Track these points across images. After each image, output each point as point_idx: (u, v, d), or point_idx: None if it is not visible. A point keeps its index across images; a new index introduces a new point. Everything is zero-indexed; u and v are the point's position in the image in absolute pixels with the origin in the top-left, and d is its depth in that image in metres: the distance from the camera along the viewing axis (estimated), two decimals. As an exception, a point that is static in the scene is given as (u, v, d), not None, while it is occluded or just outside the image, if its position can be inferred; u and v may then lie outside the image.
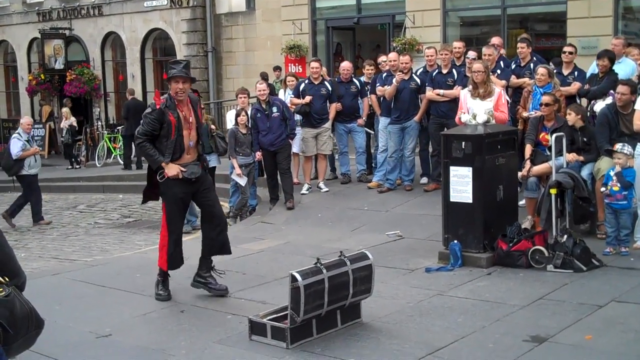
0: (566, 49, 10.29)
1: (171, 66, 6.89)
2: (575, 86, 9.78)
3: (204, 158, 7.22)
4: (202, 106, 12.10)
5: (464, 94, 9.32)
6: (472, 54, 10.85)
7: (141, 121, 6.90)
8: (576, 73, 10.05)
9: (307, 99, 11.88)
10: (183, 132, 6.82)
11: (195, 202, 7.24)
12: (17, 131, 13.76)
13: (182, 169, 6.81)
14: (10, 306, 3.43)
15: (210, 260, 7.14)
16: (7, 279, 3.52)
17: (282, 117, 11.23)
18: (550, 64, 10.35)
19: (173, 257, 6.97)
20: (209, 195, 7.11)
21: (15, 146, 13.33)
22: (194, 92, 7.04)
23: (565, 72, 10.02)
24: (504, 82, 10.29)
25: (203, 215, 7.29)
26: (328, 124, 12.00)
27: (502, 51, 11.41)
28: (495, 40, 11.31)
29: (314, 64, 12.21)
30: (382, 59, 12.54)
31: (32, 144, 13.77)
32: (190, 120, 6.88)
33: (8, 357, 3.51)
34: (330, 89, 12.01)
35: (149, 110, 6.90)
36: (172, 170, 6.78)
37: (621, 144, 7.95)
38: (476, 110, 8.52)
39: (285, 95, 12.88)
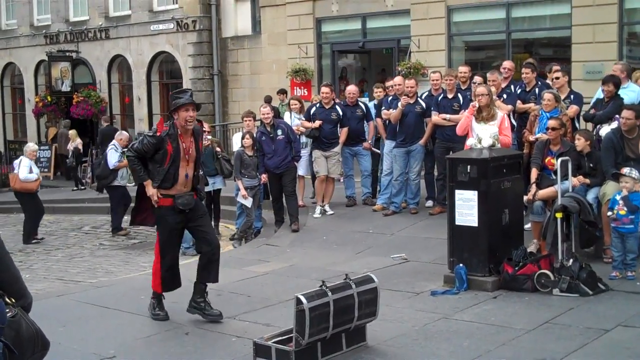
0: (555, 75, 10.36)
1: (178, 96, 6.88)
2: (572, 109, 9.80)
3: (199, 189, 7.21)
4: (209, 129, 12.16)
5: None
6: (477, 79, 10.89)
7: (140, 137, 7.00)
8: (572, 97, 10.10)
9: (317, 123, 11.94)
10: (180, 164, 6.82)
11: (189, 230, 7.19)
12: (112, 144, 14.29)
13: (158, 195, 6.82)
14: (16, 327, 3.42)
15: (204, 285, 7.05)
16: (13, 300, 3.52)
17: (287, 140, 11.26)
18: (555, 88, 10.39)
19: (166, 280, 7.07)
20: (202, 222, 7.12)
21: (113, 157, 13.82)
22: (197, 122, 7.05)
23: (562, 96, 10.03)
24: (510, 106, 10.32)
25: (197, 242, 7.40)
26: (337, 148, 12.05)
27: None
28: (507, 64, 11.33)
29: (325, 89, 12.28)
30: (389, 83, 12.59)
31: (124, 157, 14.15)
32: (190, 152, 6.89)
33: None
34: (340, 113, 12.07)
35: (150, 133, 6.94)
36: (150, 191, 6.85)
37: (628, 168, 7.95)
38: (482, 134, 8.55)
39: (291, 118, 12.93)
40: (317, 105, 12.32)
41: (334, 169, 12.06)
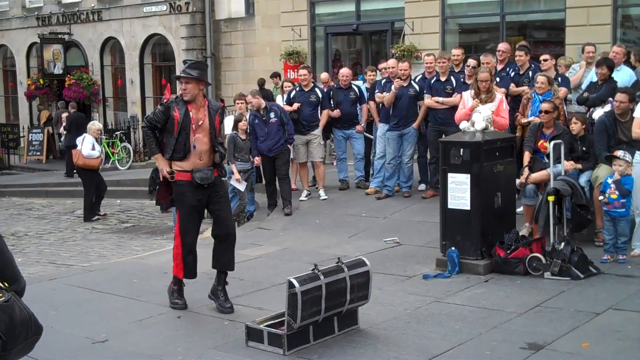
0: (542, 57, 10.35)
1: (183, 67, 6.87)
2: (562, 91, 9.80)
3: (221, 166, 6.98)
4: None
5: (466, 97, 9.44)
6: (471, 61, 10.85)
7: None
8: (560, 79, 10.10)
9: (295, 105, 11.90)
10: (190, 133, 6.64)
11: (208, 211, 6.99)
12: None
13: (168, 169, 6.68)
14: (9, 311, 3.41)
15: (224, 274, 6.93)
16: (6, 284, 3.51)
17: (280, 123, 11.22)
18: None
19: (188, 265, 6.79)
20: (221, 205, 6.88)
21: None
22: (220, 101, 7.03)
23: None
24: (503, 89, 10.30)
25: (213, 225, 6.98)
26: (317, 131, 11.99)
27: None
28: (502, 46, 11.28)
29: (303, 71, 12.25)
30: (382, 65, 12.56)
31: None
32: (201, 123, 6.67)
33: None
34: (320, 96, 12.01)
35: (162, 102, 6.95)
36: (160, 164, 6.74)
37: (622, 151, 7.96)
38: (475, 117, 8.54)
39: (284, 101, 12.90)
40: (297, 88, 12.30)
41: (316, 152, 11.98)
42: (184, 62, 6.93)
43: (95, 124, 15.09)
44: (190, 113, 6.66)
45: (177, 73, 18.61)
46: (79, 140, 14.69)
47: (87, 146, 14.12)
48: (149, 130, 6.80)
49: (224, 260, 6.92)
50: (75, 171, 19.92)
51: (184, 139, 6.64)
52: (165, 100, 6.80)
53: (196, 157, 6.70)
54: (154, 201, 7.71)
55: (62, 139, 21.68)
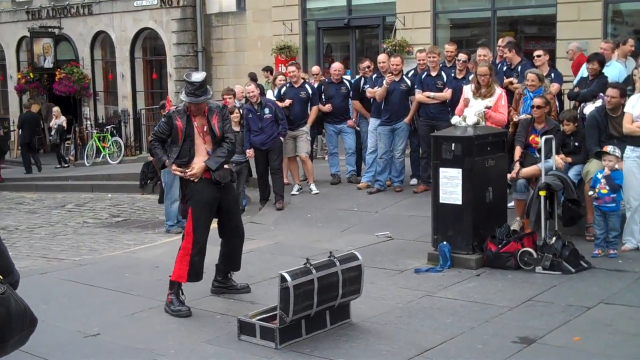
0: (536, 53, 10.37)
1: (186, 86, 6.68)
2: (554, 87, 9.82)
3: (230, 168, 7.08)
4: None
5: (466, 91, 9.48)
6: (462, 56, 10.87)
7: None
8: (553, 75, 10.12)
9: (287, 102, 11.90)
10: (195, 140, 6.69)
11: (219, 213, 6.93)
12: None
13: (184, 171, 6.66)
14: (6, 303, 3.42)
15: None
16: (1, 277, 3.51)
17: (274, 119, 11.22)
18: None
19: (196, 268, 6.64)
20: (233, 207, 7.04)
21: None
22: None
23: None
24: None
25: (224, 228, 7.01)
26: (306, 127, 12.01)
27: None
28: (501, 41, 11.29)
29: (291, 68, 12.27)
30: (363, 64, 12.37)
31: None
32: (205, 130, 6.72)
33: (2, 355, 3.51)
34: (310, 92, 12.02)
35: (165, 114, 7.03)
36: (174, 170, 6.74)
37: (611, 146, 7.99)
38: (466, 112, 8.56)
39: (274, 96, 12.88)
40: (288, 84, 12.30)
41: (302, 147, 11.96)
42: (190, 83, 6.61)
43: None
44: (194, 121, 6.70)
45: (170, 69, 18.46)
46: None
47: None
48: (158, 143, 6.88)
49: (234, 260, 7.11)
50: (33, 164, 20.10)
51: (188, 146, 6.69)
52: (167, 110, 6.79)
53: (201, 160, 6.66)
54: (144, 194, 7.76)
55: (53, 132, 21.71)
